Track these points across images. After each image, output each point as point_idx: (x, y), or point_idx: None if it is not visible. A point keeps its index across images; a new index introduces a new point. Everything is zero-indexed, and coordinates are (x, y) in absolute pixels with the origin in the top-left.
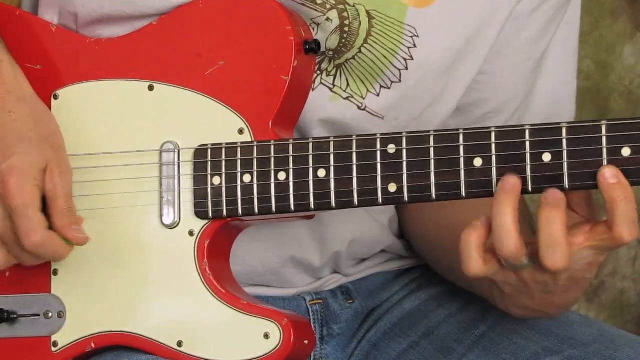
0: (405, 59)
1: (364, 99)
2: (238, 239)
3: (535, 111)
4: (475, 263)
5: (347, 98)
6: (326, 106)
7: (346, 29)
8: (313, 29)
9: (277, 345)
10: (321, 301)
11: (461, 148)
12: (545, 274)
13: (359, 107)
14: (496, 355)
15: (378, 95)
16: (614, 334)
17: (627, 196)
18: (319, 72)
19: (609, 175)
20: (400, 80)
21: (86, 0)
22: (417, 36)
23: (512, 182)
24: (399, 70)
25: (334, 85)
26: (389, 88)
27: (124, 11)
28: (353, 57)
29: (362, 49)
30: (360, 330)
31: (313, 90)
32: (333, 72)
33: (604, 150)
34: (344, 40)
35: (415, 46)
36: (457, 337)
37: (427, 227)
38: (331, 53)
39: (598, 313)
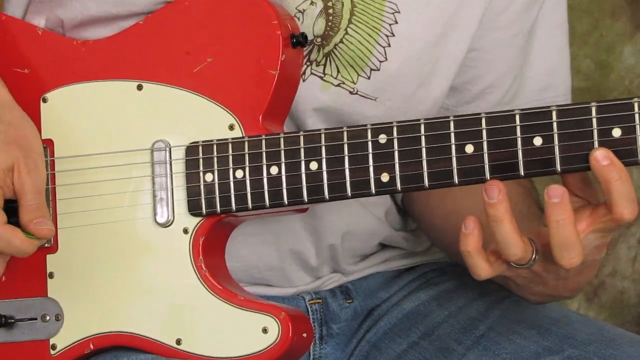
0: (387, 36)
1: (355, 83)
2: (234, 236)
3: (532, 83)
4: (482, 270)
5: (338, 85)
6: (318, 95)
7: (330, 10)
8: (298, 18)
9: (276, 339)
10: (320, 301)
11: (452, 135)
12: (556, 264)
13: (350, 92)
14: (496, 355)
15: (369, 78)
16: (614, 333)
17: (621, 176)
18: (308, 63)
19: (601, 157)
20: (386, 59)
21: (72, 2)
22: (399, 12)
23: (495, 192)
24: (384, 48)
25: (325, 74)
26: (378, 70)
27: (110, 11)
28: (341, 41)
29: (348, 30)
30: (360, 330)
31: (304, 81)
32: (323, 62)
33: (595, 132)
34: (329, 24)
35: (396, 22)
36: (457, 337)
37: (434, 215)
38: (319, 40)
39: (598, 313)
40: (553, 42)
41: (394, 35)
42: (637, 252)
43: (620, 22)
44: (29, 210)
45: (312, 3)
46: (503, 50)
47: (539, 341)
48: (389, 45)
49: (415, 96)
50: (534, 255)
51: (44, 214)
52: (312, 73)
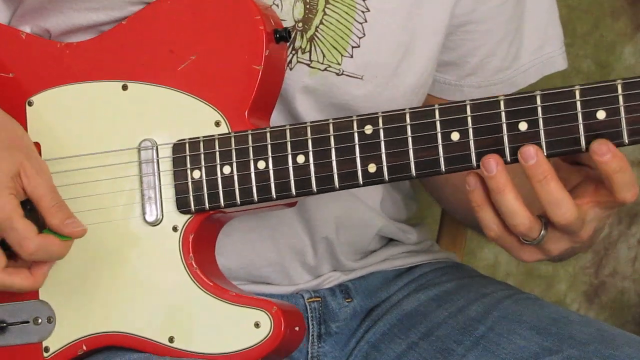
0: (363, 12)
1: (340, 64)
2: (230, 233)
3: (528, 43)
4: (491, 223)
5: (325, 69)
6: (306, 81)
7: None
8: (277, 5)
9: (268, 333)
10: (319, 299)
11: (437, 124)
12: (569, 240)
13: (337, 74)
14: (495, 355)
15: (352, 56)
16: (613, 333)
17: (621, 166)
18: (294, 52)
19: (603, 151)
20: (364, 34)
21: (54, 13)
22: None
23: (492, 165)
24: (361, 24)
25: (312, 61)
26: (359, 46)
27: (92, 19)
28: (321, 22)
29: (326, 10)
30: (359, 330)
31: (291, 69)
32: (307, 48)
33: (579, 115)
34: (307, 6)
35: None
36: (456, 338)
37: (444, 191)
38: (300, 25)
39: (598, 313)
40: (542, 0)
41: (369, 11)
42: (637, 252)
43: (620, 22)
44: (53, 212)
45: None
46: (495, 19)
47: (538, 341)
48: (366, 21)
49: (399, 70)
50: (542, 231)
51: (69, 212)
52: (298, 61)
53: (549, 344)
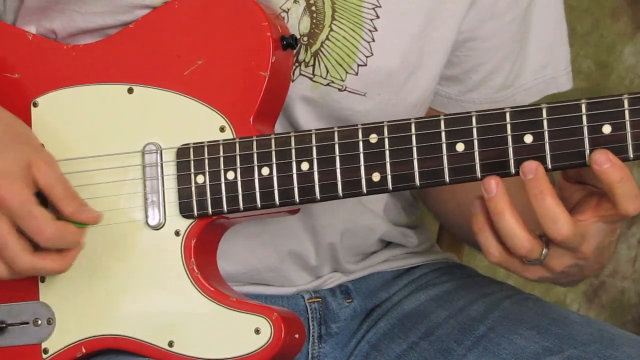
0: (370, 31)
1: (343, 81)
2: (233, 238)
3: (532, 62)
4: (494, 250)
5: (327, 84)
6: (307, 93)
7: (313, 8)
8: (284, 17)
9: (268, 340)
10: (320, 299)
11: (443, 134)
12: (572, 256)
13: (339, 90)
14: (496, 355)
15: (357, 74)
16: (614, 334)
17: (623, 176)
18: (297, 64)
19: (602, 160)
20: (372, 54)
21: (59, 15)
22: (379, 6)
23: (492, 187)
24: (369, 43)
25: (314, 75)
26: (365, 65)
27: (98, 22)
28: (327, 38)
29: (332, 26)
30: (360, 330)
31: (293, 81)
32: (311, 62)
33: (585, 129)
34: (314, 21)
35: (378, 17)
36: (457, 337)
37: (447, 207)
38: (306, 39)
39: (598, 313)
40: (549, 18)
41: (376, 30)
42: (637, 252)
43: (620, 22)
44: (68, 201)
45: (295, 1)
46: (501, 37)
47: (539, 342)
48: (373, 40)
49: (404, 88)
50: (544, 250)
51: (82, 200)
52: (301, 74)
53: (550, 344)
